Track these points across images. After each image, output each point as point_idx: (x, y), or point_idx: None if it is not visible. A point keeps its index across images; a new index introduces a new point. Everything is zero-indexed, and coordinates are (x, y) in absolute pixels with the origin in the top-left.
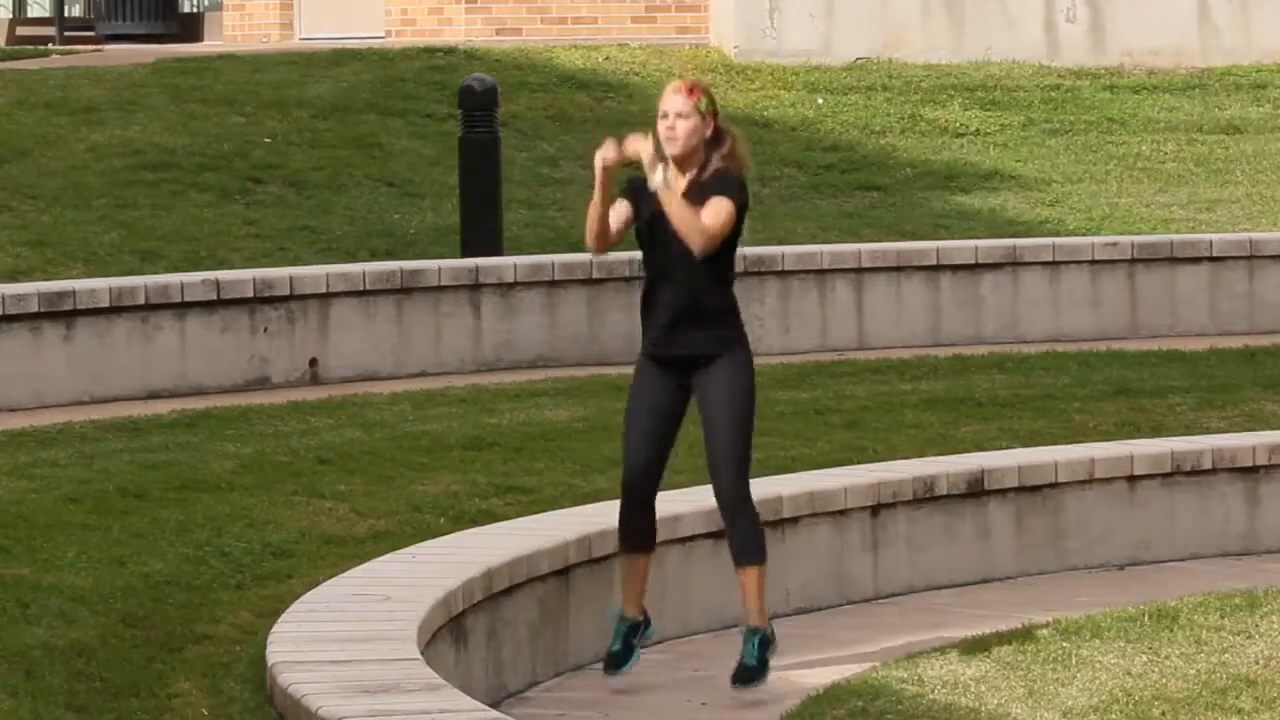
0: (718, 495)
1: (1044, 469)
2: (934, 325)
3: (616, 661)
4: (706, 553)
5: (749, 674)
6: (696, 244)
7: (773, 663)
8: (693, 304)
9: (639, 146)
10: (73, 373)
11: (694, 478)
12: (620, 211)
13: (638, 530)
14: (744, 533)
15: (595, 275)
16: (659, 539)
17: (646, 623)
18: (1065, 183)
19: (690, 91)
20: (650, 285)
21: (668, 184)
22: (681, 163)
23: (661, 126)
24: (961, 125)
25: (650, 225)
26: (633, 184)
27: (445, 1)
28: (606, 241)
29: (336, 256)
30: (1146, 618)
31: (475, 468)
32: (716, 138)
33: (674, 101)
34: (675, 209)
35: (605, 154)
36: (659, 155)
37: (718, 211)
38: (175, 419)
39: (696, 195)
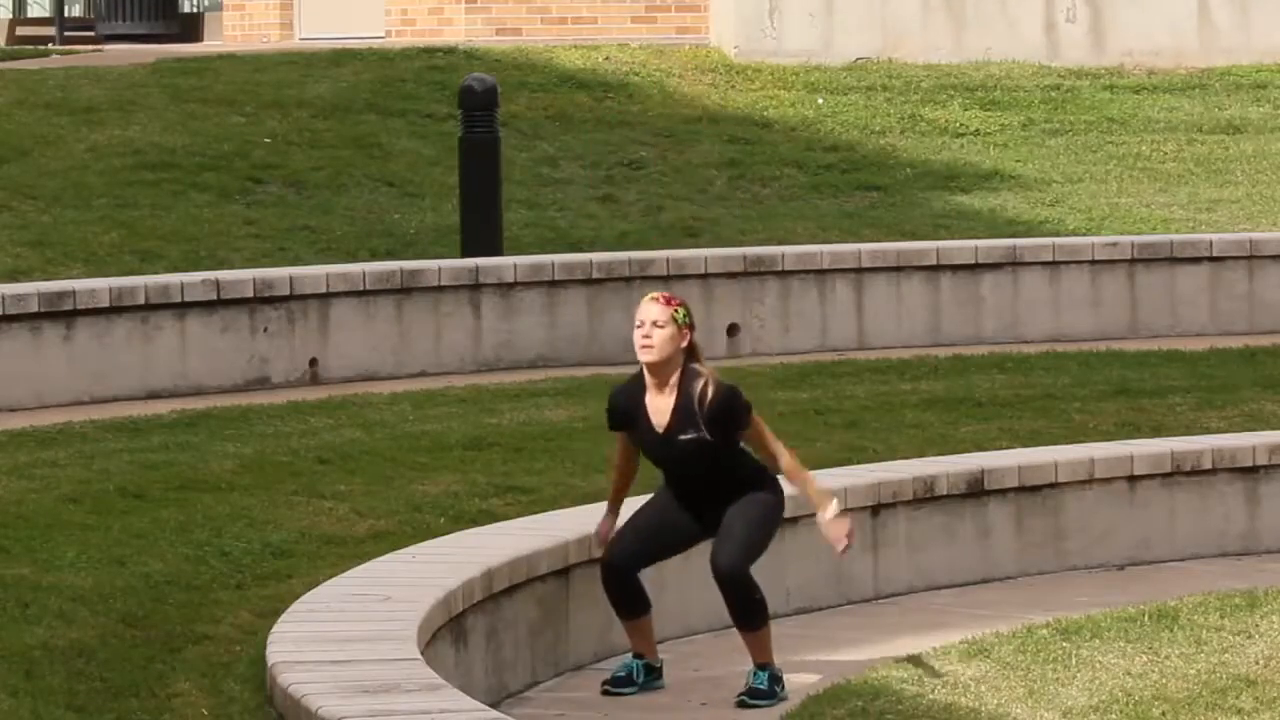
0: (715, 567)
1: (1044, 469)
2: (934, 325)
3: (619, 684)
4: (705, 552)
5: (759, 694)
6: (799, 479)
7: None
8: (712, 492)
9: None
10: (73, 373)
11: None
12: (625, 447)
13: (627, 601)
14: (742, 605)
15: (595, 275)
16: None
17: (660, 673)
18: (1065, 183)
19: (668, 301)
20: (666, 480)
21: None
22: (657, 371)
23: (637, 335)
24: (961, 125)
25: (647, 447)
26: (614, 418)
27: (445, 1)
28: (634, 471)
29: (336, 256)
30: (1146, 618)
31: (475, 468)
32: (691, 351)
33: (651, 310)
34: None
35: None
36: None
37: (759, 435)
38: (175, 419)
39: (689, 423)
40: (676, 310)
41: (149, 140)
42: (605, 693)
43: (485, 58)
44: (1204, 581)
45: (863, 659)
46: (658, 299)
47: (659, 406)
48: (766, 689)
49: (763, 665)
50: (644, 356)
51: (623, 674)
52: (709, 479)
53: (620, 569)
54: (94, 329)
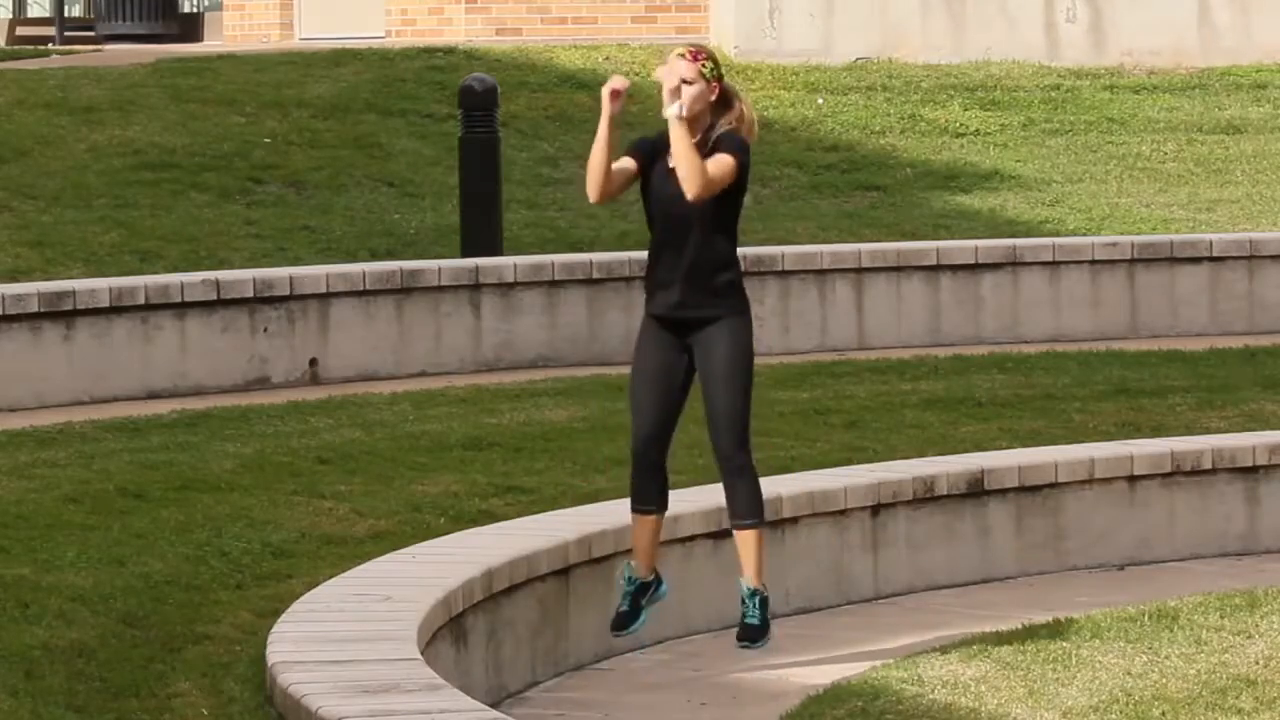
0: (718, 459)
1: (1044, 469)
2: (934, 325)
3: (623, 621)
4: (706, 553)
5: (754, 631)
6: (694, 185)
7: (773, 662)
8: (695, 264)
9: (660, 73)
10: (73, 373)
11: (694, 478)
12: (624, 165)
13: (648, 492)
14: (743, 494)
15: (595, 275)
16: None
17: (658, 583)
18: (1065, 183)
19: (695, 56)
20: (654, 246)
21: (680, 117)
22: (688, 127)
23: (667, 93)
24: (961, 125)
25: (656, 183)
26: (638, 142)
27: (445, 1)
28: (608, 189)
29: (336, 256)
30: (1146, 618)
31: (475, 468)
32: (723, 102)
33: (679, 66)
34: (681, 145)
35: (614, 83)
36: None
37: (718, 162)
38: (175, 419)
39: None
40: (704, 65)
41: (149, 140)
42: (616, 635)
43: (485, 58)
44: (1204, 581)
45: (863, 659)
46: (685, 55)
47: None
48: (761, 621)
49: (754, 590)
50: (681, 112)
51: (625, 609)
52: (697, 252)
53: (650, 453)
54: (94, 329)
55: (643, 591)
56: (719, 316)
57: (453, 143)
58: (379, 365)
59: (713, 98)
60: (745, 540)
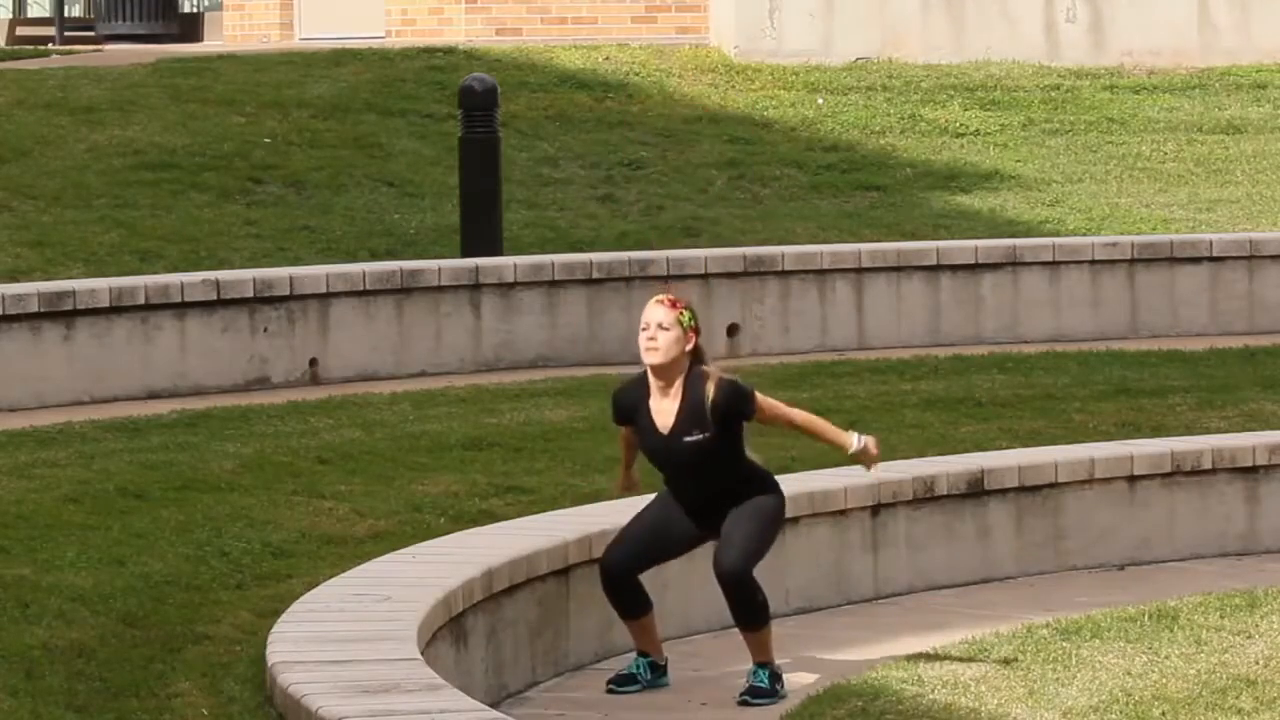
0: (718, 568)
1: (1044, 469)
2: (934, 325)
3: (622, 682)
4: (707, 553)
5: (760, 692)
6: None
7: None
8: (708, 493)
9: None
10: (73, 373)
11: None
12: (627, 435)
13: (627, 604)
14: (745, 606)
15: (595, 275)
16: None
17: (665, 671)
18: (1065, 183)
19: (673, 305)
20: (665, 481)
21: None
22: (662, 374)
23: (642, 337)
24: (961, 125)
25: (642, 436)
26: (617, 409)
27: (445, 1)
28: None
29: (336, 256)
30: (1146, 618)
31: (475, 468)
32: (696, 354)
33: (656, 313)
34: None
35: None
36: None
37: (773, 407)
38: (175, 419)
39: (695, 423)
40: (682, 313)
41: (149, 140)
42: (610, 691)
43: (485, 58)
44: (1204, 581)
45: (863, 659)
46: (663, 301)
47: (663, 409)
48: (767, 687)
49: (763, 664)
50: (649, 359)
51: (627, 673)
52: (711, 481)
53: (619, 573)
54: (94, 329)
55: (653, 670)
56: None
57: (453, 143)
58: (379, 365)
59: (689, 347)
60: (749, 639)
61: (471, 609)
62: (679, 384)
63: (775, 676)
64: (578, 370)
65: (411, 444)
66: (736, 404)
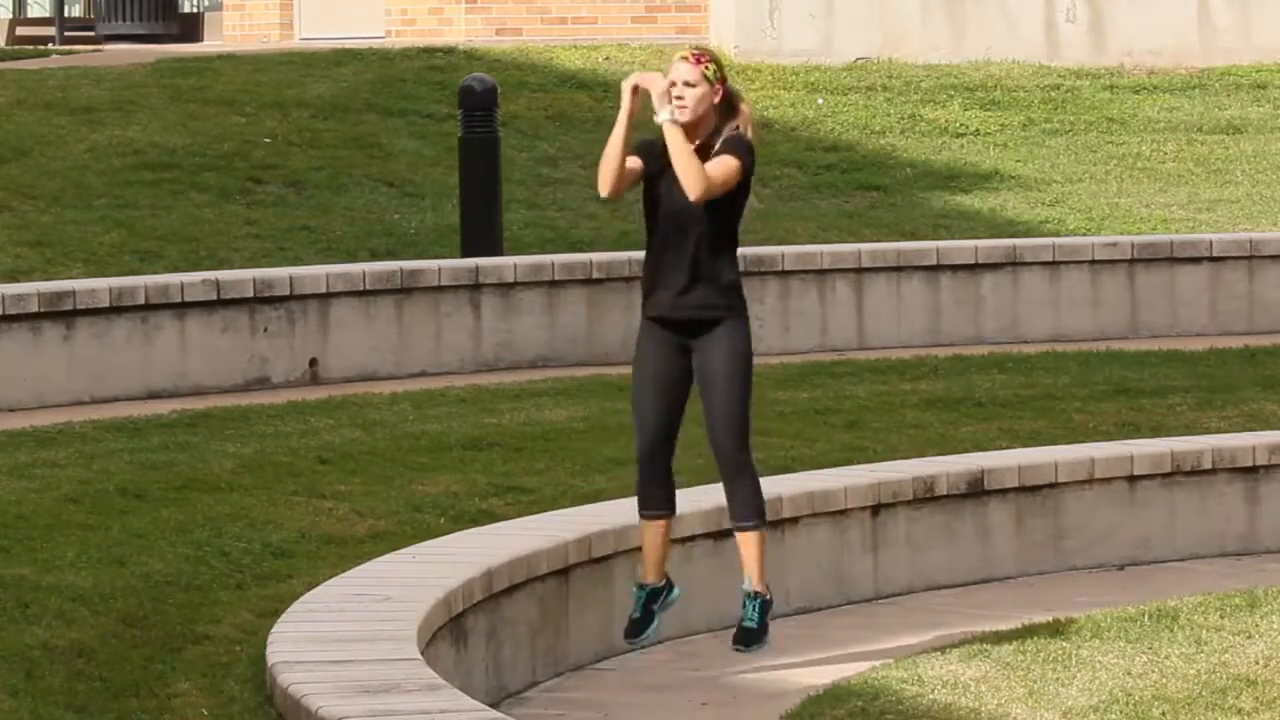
0: (718, 461)
1: (1044, 469)
2: (934, 325)
3: (636, 629)
4: (706, 552)
5: (750, 635)
6: (694, 188)
7: (773, 662)
8: (694, 267)
9: (651, 80)
10: (73, 373)
11: (693, 478)
12: (633, 164)
13: (657, 496)
14: (743, 496)
15: (595, 275)
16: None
17: (670, 588)
18: (1065, 183)
19: (698, 60)
20: (654, 248)
21: (674, 121)
22: (691, 131)
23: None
24: (961, 125)
25: (656, 182)
26: (643, 144)
27: (445, 1)
28: (620, 185)
29: (336, 256)
30: (1146, 618)
31: (475, 468)
32: (727, 105)
33: (682, 69)
34: (678, 148)
35: (636, 80)
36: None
37: (722, 164)
38: (175, 419)
39: (704, 159)
40: (707, 67)
41: (149, 140)
42: (630, 644)
43: (485, 58)
44: (1204, 581)
45: (863, 659)
46: (688, 57)
47: None
48: (759, 625)
49: (754, 593)
50: (679, 118)
51: (638, 616)
52: (695, 248)
53: (657, 459)
54: (94, 329)
55: (654, 597)
56: (718, 319)
57: (453, 143)
58: (379, 365)
59: (716, 100)
60: (746, 541)
61: (471, 609)
62: (705, 141)
63: (766, 607)
64: (578, 370)
65: (411, 444)
66: (732, 143)
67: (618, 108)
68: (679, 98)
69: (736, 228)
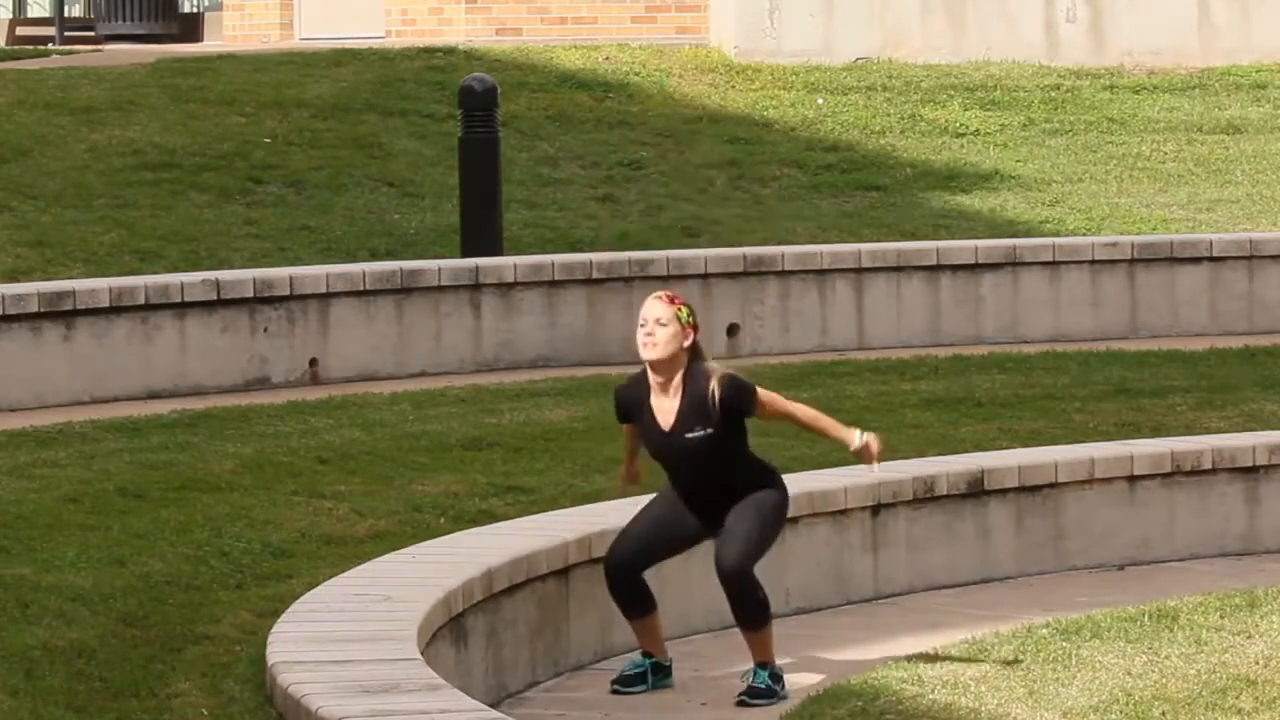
0: (719, 565)
1: (1044, 469)
2: (934, 325)
3: (627, 683)
4: (706, 552)
5: (759, 693)
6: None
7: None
8: (711, 488)
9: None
10: (73, 373)
11: None
12: (632, 433)
13: (632, 603)
14: (745, 604)
15: (595, 275)
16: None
17: (668, 671)
18: (1065, 183)
19: (671, 300)
20: (668, 477)
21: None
22: (660, 370)
23: (640, 334)
24: (961, 125)
25: (645, 433)
26: (619, 406)
27: (445, 1)
28: (637, 461)
29: (336, 256)
30: (1146, 618)
31: (475, 468)
32: (694, 350)
33: (655, 308)
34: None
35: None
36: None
37: (774, 402)
38: (175, 419)
39: (698, 419)
40: (680, 309)
41: (149, 140)
42: (614, 691)
43: (485, 58)
44: (1204, 581)
45: (863, 659)
46: (661, 297)
47: (663, 406)
48: (766, 688)
49: (763, 664)
50: (646, 354)
51: (632, 673)
52: (713, 477)
53: (624, 569)
54: (94, 329)
55: (658, 670)
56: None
57: (453, 143)
58: (379, 365)
59: (686, 343)
60: (750, 639)
61: (471, 609)
62: (678, 380)
63: (775, 677)
64: (578, 370)
65: (411, 444)
66: (739, 399)
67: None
68: (649, 334)
69: (745, 443)
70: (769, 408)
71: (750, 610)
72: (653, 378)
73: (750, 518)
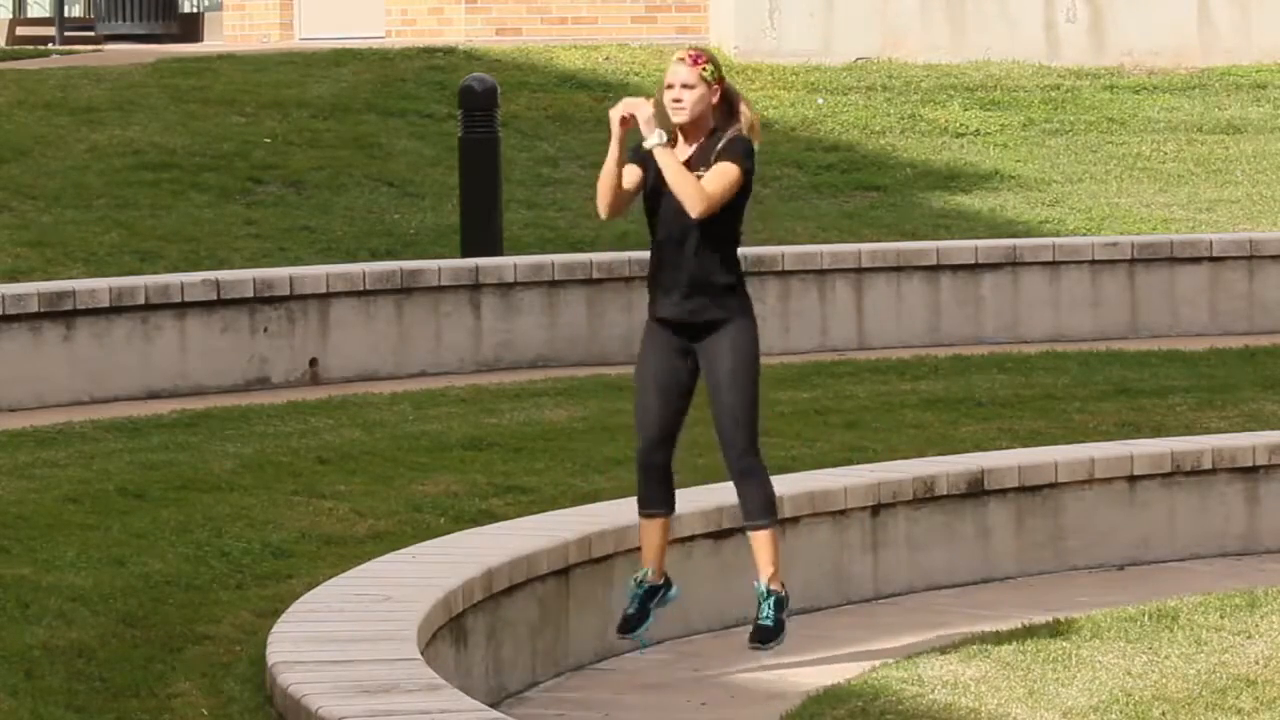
0: (727, 463)
1: (1044, 469)
2: (934, 325)
3: (630, 624)
4: (706, 552)
5: (766, 633)
6: (694, 207)
7: (773, 662)
8: (696, 271)
9: (635, 106)
10: (73, 373)
11: (692, 478)
12: (631, 174)
13: (655, 496)
14: (754, 495)
15: (595, 275)
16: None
17: (668, 585)
18: (1065, 183)
19: (695, 60)
20: (655, 252)
21: (664, 144)
22: (689, 132)
23: (667, 97)
24: (961, 125)
25: (654, 191)
26: (640, 150)
27: (445, 1)
28: (619, 206)
29: (336, 256)
30: (1146, 618)
31: (475, 468)
32: (727, 106)
33: (679, 71)
34: (672, 171)
35: (621, 110)
36: (658, 119)
37: (721, 175)
38: (175, 419)
39: (702, 160)
40: (704, 68)
41: (149, 140)
42: (621, 636)
43: (485, 58)
44: (1204, 581)
45: (863, 659)
46: (685, 58)
47: (679, 152)
48: (775, 624)
49: (769, 590)
50: (676, 118)
51: (633, 611)
52: (696, 253)
53: (656, 456)
54: (94, 329)
55: (652, 594)
56: (723, 320)
57: (453, 143)
58: (379, 365)
59: (714, 100)
60: (759, 541)
61: (471, 609)
62: (705, 142)
63: (779, 604)
64: (578, 370)
65: (411, 444)
66: (732, 144)
67: (609, 136)
68: (677, 100)
69: (737, 229)
70: (718, 173)
71: (764, 494)
72: (681, 139)
73: (736, 383)
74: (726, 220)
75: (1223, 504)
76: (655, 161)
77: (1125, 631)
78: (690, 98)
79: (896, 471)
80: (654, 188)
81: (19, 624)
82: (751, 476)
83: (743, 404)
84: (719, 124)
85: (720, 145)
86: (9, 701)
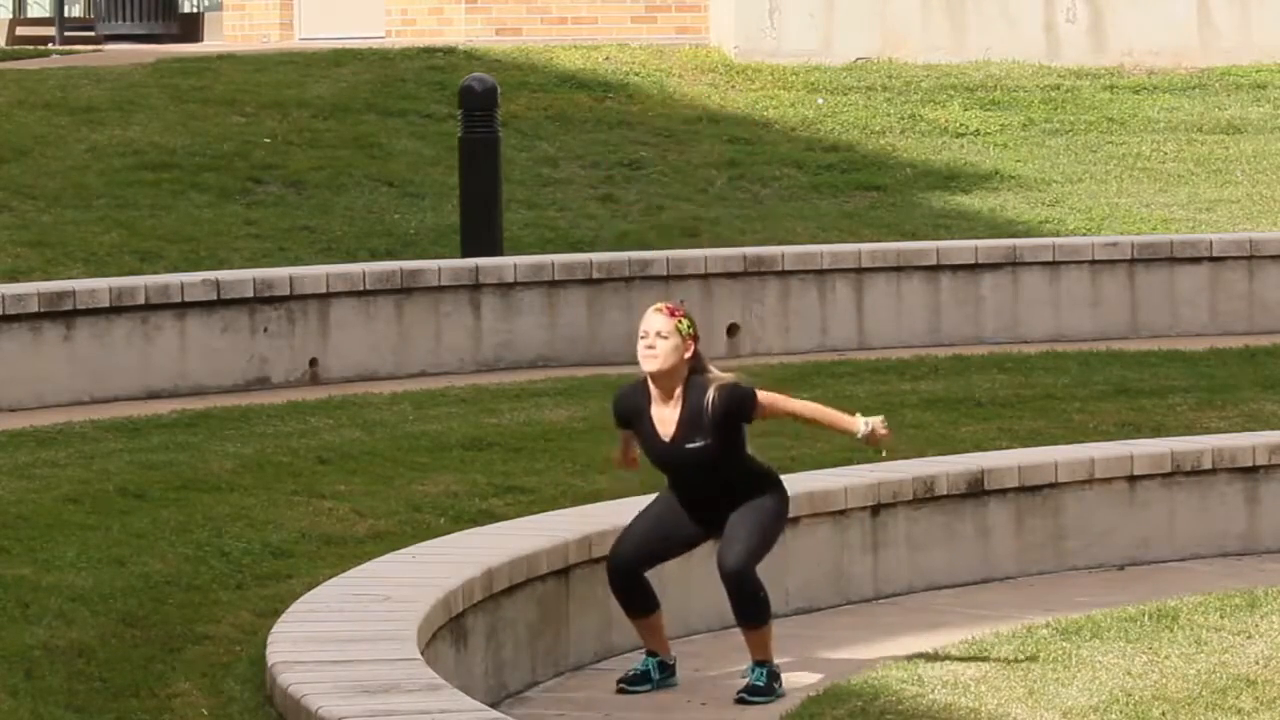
0: (721, 566)
1: (1044, 469)
2: (934, 325)
3: (633, 680)
4: (706, 553)
5: (758, 690)
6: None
7: (773, 662)
8: (716, 491)
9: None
10: (73, 373)
11: None
12: (627, 437)
13: (634, 603)
14: (746, 603)
15: (595, 275)
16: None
17: (672, 670)
18: (1065, 183)
19: (672, 313)
20: (668, 481)
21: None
22: (661, 381)
23: (641, 345)
24: (961, 125)
25: (645, 440)
26: (618, 413)
27: (445, 1)
28: (632, 460)
29: (336, 256)
30: (1146, 618)
31: (475, 468)
32: (696, 362)
33: (655, 321)
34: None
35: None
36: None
37: (777, 400)
38: (175, 419)
39: (698, 429)
40: (680, 321)
41: (149, 140)
42: (620, 691)
43: (485, 58)
44: (1204, 581)
45: (863, 659)
46: (662, 310)
47: (664, 416)
48: (765, 685)
49: (761, 662)
50: (647, 366)
51: (638, 671)
52: (714, 484)
53: (626, 569)
54: (94, 329)
55: (664, 669)
56: (747, 498)
57: (453, 143)
58: (379, 365)
59: (687, 355)
60: (749, 637)
61: (471, 609)
62: (679, 392)
63: (773, 675)
64: (578, 370)
65: (411, 444)
66: (736, 408)
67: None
68: (650, 347)
69: (742, 447)
70: (770, 409)
71: (751, 610)
72: (653, 388)
73: (752, 520)
74: (731, 449)
75: (1223, 504)
76: (638, 414)
77: (1125, 631)
78: (664, 347)
79: (896, 471)
80: (645, 439)
81: (19, 624)
82: (741, 586)
83: (754, 528)
84: (689, 378)
85: (716, 408)
86: (9, 701)
